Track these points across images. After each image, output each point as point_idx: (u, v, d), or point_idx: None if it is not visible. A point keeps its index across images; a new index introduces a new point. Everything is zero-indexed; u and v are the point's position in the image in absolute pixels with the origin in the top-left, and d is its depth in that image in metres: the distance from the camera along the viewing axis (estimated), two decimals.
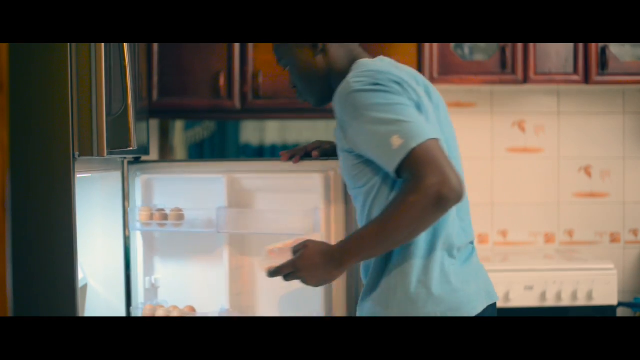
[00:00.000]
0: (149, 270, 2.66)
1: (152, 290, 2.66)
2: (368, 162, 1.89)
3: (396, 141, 1.76)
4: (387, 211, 1.78)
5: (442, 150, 1.78)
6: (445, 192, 1.72)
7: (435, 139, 1.78)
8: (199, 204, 2.51)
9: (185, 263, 2.64)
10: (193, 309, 2.53)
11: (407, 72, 1.95)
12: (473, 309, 1.92)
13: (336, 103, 1.90)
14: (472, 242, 2.03)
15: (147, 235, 2.64)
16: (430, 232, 1.87)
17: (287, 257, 1.96)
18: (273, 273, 1.94)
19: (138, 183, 2.64)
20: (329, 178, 2.32)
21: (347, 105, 1.85)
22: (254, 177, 2.49)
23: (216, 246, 2.54)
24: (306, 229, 2.30)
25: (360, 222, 2.01)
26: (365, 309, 1.96)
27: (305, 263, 1.88)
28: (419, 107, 1.86)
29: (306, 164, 2.36)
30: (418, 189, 1.72)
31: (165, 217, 2.51)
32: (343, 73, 2.01)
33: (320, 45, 2.05)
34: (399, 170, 1.78)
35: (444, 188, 1.71)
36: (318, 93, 2.11)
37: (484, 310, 1.95)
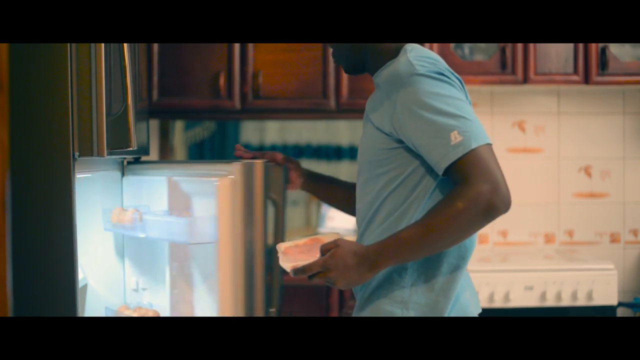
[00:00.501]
0: (136, 271, 2.66)
1: (140, 291, 2.66)
2: (407, 150, 1.80)
3: (455, 137, 1.69)
4: (432, 215, 1.69)
5: (495, 157, 1.72)
6: (496, 202, 1.66)
7: (491, 145, 1.73)
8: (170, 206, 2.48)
9: (163, 266, 2.62)
10: (157, 314, 2.50)
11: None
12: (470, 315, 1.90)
13: (392, 80, 1.80)
14: None
15: (135, 237, 2.64)
16: (466, 243, 1.81)
17: (307, 255, 1.84)
18: (298, 272, 1.79)
19: (124, 183, 2.66)
20: (226, 185, 2.18)
21: (407, 87, 1.76)
22: (189, 180, 2.41)
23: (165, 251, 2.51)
24: (202, 235, 2.21)
25: (362, 213, 1.90)
26: (379, 305, 1.86)
27: (336, 263, 1.74)
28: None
29: (214, 168, 2.26)
30: (468, 196, 1.65)
31: (123, 219, 2.49)
32: (379, 50, 1.91)
33: None
34: (449, 168, 1.70)
35: (495, 197, 1.65)
36: (348, 61, 1.98)
37: None
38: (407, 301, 1.82)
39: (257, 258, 2.25)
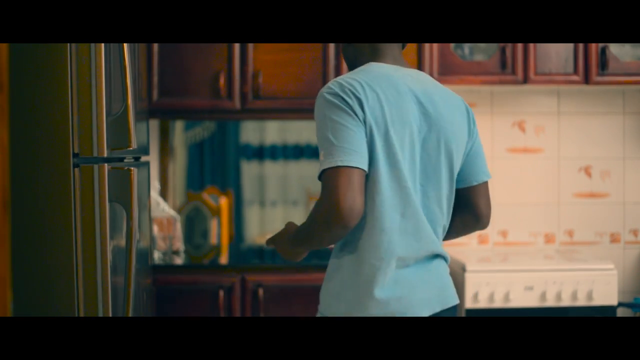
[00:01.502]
0: None
1: None
2: None
3: (321, 156, 1.94)
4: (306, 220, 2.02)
5: (351, 179, 1.90)
6: (331, 220, 1.88)
7: (350, 168, 1.90)
8: None
9: None
10: None
11: (393, 87, 2.02)
12: (416, 314, 2.00)
13: None
14: (434, 254, 2.08)
15: None
16: (384, 245, 1.98)
17: None
18: (267, 241, 2.22)
19: None
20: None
21: (315, 104, 2.02)
22: None
23: None
24: None
25: None
26: (323, 295, 2.08)
27: (277, 238, 2.17)
28: (372, 130, 1.97)
29: None
30: (313, 210, 1.94)
31: None
32: (357, 61, 2.15)
33: None
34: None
35: (330, 216, 1.88)
36: (345, 62, 2.24)
37: (436, 315, 2.04)
38: (339, 295, 2.03)
39: (104, 260, 2.33)
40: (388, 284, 1.99)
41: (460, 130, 2.10)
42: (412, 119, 2.01)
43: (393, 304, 1.98)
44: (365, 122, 1.95)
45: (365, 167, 1.93)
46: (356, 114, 1.95)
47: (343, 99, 1.95)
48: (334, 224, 1.89)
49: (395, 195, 1.99)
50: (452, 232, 2.23)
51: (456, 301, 2.10)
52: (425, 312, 2.01)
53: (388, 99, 1.99)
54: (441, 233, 2.11)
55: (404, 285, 2.00)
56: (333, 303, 2.03)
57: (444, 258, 2.11)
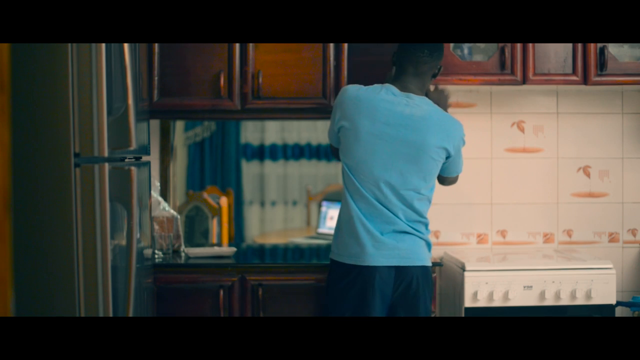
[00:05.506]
0: None
1: None
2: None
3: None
4: None
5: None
6: None
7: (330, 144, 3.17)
8: None
9: None
10: None
11: (353, 99, 2.93)
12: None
13: None
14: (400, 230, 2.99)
15: None
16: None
17: None
18: None
19: None
20: None
21: None
22: None
23: None
24: None
25: None
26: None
27: None
28: (339, 124, 2.99)
29: None
30: None
31: None
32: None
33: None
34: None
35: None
36: None
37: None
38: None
39: (105, 260, 2.34)
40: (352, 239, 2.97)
41: (430, 142, 2.93)
42: (382, 129, 2.90)
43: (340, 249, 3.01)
44: (338, 119, 2.98)
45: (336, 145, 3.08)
46: (335, 117, 2.99)
47: (336, 104, 3.00)
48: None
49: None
50: None
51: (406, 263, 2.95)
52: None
53: (364, 112, 2.90)
54: (406, 217, 2.97)
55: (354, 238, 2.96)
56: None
57: (412, 234, 2.97)
